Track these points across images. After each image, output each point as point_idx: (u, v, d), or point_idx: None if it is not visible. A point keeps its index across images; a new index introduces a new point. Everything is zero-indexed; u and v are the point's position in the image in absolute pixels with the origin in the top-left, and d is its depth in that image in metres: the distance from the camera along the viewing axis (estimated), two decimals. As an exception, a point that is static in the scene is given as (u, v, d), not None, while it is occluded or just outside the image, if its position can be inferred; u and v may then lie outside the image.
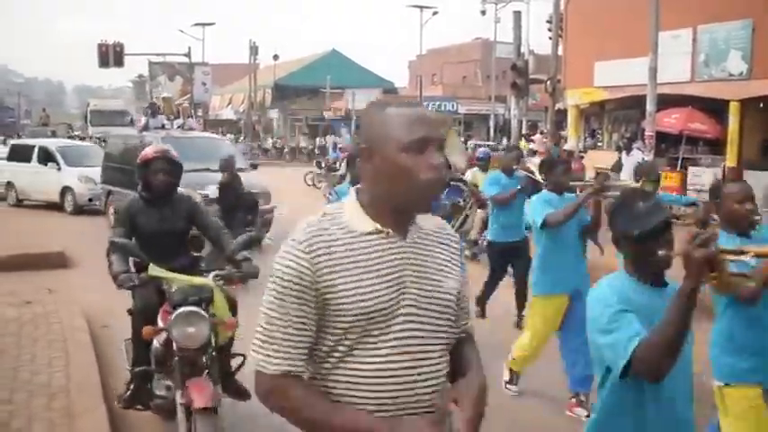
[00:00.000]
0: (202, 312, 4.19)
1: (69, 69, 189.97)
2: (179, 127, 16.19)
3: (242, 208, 11.06)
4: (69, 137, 19.92)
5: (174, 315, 4.15)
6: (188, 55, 41.69)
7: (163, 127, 15.62)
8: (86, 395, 5.20)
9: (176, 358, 4.23)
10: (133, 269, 4.66)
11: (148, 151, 5.08)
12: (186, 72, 44.71)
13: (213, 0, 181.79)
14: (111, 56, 31.35)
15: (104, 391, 5.36)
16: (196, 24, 49.97)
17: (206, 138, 16.72)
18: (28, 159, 18.39)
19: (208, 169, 12.54)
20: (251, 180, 12.77)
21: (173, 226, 4.90)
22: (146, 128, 15.78)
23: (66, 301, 8.18)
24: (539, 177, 7.29)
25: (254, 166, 15.67)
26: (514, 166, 8.49)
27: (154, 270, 4.26)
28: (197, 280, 4.41)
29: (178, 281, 4.36)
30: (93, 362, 6.00)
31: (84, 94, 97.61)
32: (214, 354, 4.36)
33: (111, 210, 14.30)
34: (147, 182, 4.95)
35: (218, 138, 18.96)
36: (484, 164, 11.74)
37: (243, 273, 4.49)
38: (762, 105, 17.19)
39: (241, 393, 4.70)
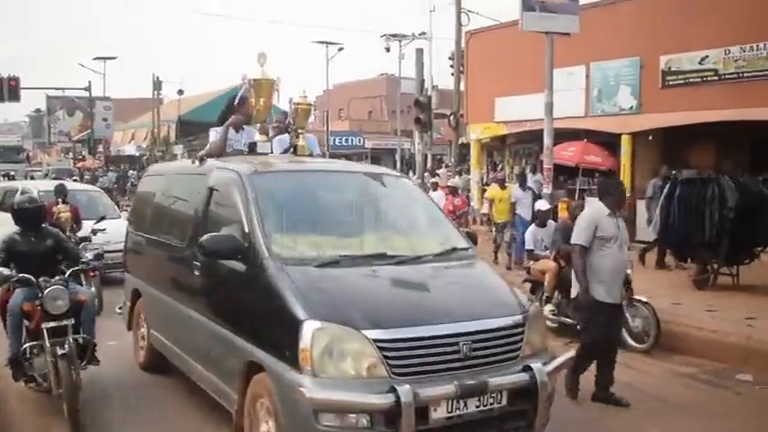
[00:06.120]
0: None
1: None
2: (287, 150, 7.27)
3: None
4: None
5: None
6: (88, 89, 40.71)
7: (251, 149, 7.04)
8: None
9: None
10: None
11: None
12: (86, 107, 43.61)
13: (116, 33, 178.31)
14: (5, 90, 30.34)
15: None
16: (97, 58, 48.86)
17: (350, 172, 6.94)
18: None
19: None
20: None
21: None
22: (219, 149, 6.87)
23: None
24: None
25: None
26: None
27: None
28: None
29: None
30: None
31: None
32: None
33: (142, 332, 7.45)
34: None
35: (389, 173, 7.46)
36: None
37: None
38: (651, 138, 18.10)
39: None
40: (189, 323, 5.99)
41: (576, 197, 17.51)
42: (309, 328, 4.32)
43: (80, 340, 6.00)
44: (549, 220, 10.14)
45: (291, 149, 7.23)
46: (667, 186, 11.89)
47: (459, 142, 23.81)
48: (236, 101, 7.48)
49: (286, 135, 7.50)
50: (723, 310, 9.32)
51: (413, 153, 36.24)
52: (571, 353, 5.46)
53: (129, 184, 34.31)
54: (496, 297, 5.17)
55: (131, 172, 41.47)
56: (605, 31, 17.68)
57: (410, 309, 4.73)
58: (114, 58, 51.00)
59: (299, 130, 7.36)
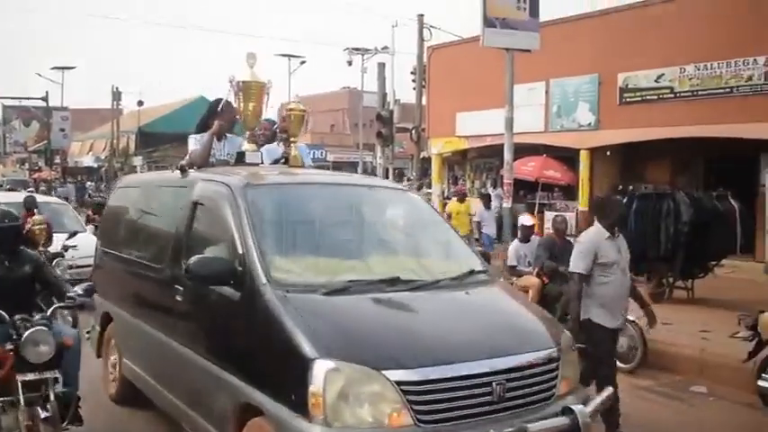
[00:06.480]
0: None
1: None
2: (278, 161, 6.56)
3: None
4: None
5: None
6: (45, 99, 40.14)
7: (239, 159, 6.24)
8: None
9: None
10: None
11: None
12: (43, 117, 42.98)
13: (75, 43, 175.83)
14: (-41, 99, 29.78)
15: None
16: (55, 68, 48.18)
17: (352, 185, 6.19)
18: None
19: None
20: None
21: None
22: (202, 159, 6.16)
23: None
24: None
25: None
26: None
27: None
28: None
29: None
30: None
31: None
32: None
33: (112, 361, 6.68)
34: None
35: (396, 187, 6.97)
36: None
37: None
38: (608, 153, 18.42)
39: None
40: (169, 354, 5.16)
41: (536, 211, 17.75)
42: (321, 368, 3.59)
43: (61, 394, 4.73)
44: (533, 236, 9.88)
45: (282, 160, 6.48)
46: (623, 201, 12.08)
47: (421, 156, 23.96)
48: (221, 106, 6.42)
49: (275, 144, 6.93)
50: (678, 323, 9.47)
51: (375, 167, 36.34)
52: (609, 389, 4.84)
53: (87, 195, 33.79)
54: (526, 327, 4.52)
55: (89, 183, 40.92)
56: (565, 48, 17.97)
57: (435, 344, 3.95)
58: (73, 67, 50.45)
59: (292, 139, 6.57)
